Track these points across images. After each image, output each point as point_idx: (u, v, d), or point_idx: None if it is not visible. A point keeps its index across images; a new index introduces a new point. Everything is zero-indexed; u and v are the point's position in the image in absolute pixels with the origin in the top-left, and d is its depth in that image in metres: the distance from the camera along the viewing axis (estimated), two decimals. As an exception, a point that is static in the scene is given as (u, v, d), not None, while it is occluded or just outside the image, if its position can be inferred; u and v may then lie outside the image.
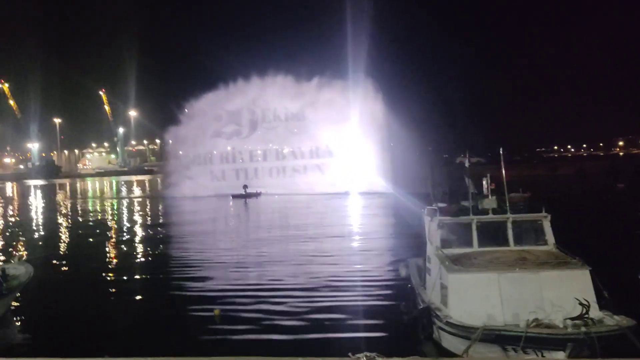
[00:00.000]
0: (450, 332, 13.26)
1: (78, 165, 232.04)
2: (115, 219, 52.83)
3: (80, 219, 51.75)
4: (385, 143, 73.47)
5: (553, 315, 12.11)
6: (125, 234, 41.09)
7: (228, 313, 17.64)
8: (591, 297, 12.52)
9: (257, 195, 69.66)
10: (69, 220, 51.14)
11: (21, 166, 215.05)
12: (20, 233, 41.27)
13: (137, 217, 52.65)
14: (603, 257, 16.63)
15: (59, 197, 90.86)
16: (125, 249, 33.21)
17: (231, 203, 64.39)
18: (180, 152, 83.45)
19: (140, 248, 33.44)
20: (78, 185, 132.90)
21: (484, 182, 16.44)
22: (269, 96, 79.38)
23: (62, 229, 44.29)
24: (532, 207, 15.81)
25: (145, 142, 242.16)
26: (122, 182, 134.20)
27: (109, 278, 24.56)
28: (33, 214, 62.02)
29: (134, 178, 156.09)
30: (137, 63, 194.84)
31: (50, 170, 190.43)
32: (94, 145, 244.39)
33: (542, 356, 11.85)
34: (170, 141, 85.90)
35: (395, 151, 71.62)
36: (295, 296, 19.42)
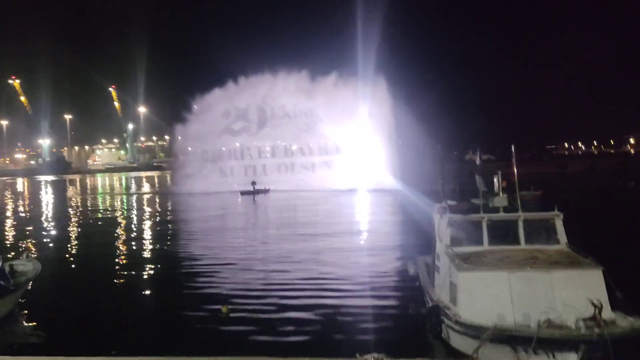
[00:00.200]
0: (460, 331, 13.08)
1: (88, 161, 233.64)
2: (124, 215, 53.04)
3: (90, 215, 52.00)
4: (394, 140, 73.22)
5: (565, 316, 11.87)
6: (134, 230, 41.23)
7: (236, 311, 17.55)
8: (604, 297, 12.26)
9: (265, 191, 69.64)
10: (79, 216, 51.37)
11: (32, 162, 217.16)
12: (30, 229, 41.48)
13: (147, 213, 52.79)
14: (616, 257, 16.35)
15: (70, 192, 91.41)
16: (134, 245, 33.27)
17: (240, 200, 64.43)
18: (189, 149, 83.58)
19: (148, 244, 33.49)
20: (88, 181, 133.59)
21: (495, 180, 16.22)
22: (278, 93, 79.31)
23: (72, 225, 44.48)
24: (544, 206, 15.59)
25: (154, 138, 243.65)
26: (132, 178, 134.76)
27: (117, 274, 24.56)
28: (44, 209, 62.44)
29: (143, 174, 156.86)
30: (146, 59, 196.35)
31: (60, 166, 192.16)
32: (103, 141, 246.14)
33: (554, 358, 11.64)
34: (179, 137, 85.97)
35: (404, 148, 71.35)
36: (303, 295, 19.28)
